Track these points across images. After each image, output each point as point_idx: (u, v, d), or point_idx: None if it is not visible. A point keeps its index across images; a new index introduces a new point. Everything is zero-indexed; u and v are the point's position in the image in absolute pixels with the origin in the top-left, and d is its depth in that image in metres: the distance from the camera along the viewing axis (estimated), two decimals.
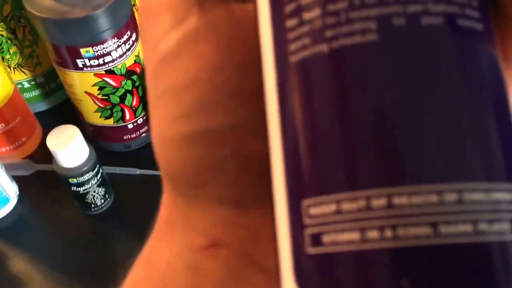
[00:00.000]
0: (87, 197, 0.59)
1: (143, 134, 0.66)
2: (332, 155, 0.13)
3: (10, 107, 0.63)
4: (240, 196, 0.18)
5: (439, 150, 0.12)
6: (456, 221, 0.12)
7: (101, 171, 0.59)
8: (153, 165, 0.72)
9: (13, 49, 0.65)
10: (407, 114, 0.12)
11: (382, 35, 0.13)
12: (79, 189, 0.58)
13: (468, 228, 0.12)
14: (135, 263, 0.21)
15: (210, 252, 0.19)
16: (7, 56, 0.65)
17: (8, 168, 0.63)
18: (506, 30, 0.14)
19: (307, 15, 0.13)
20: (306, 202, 0.13)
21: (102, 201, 0.61)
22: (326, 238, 0.13)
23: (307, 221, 0.13)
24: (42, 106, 0.72)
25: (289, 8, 0.14)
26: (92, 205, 0.60)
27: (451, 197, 0.12)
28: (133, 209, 0.63)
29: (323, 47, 0.13)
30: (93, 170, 0.57)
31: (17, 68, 0.67)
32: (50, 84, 0.71)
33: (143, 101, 0.63)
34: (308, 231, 0.13)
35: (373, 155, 0.12)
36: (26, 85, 0.69)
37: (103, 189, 0.60)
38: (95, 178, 0.58)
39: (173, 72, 0.17)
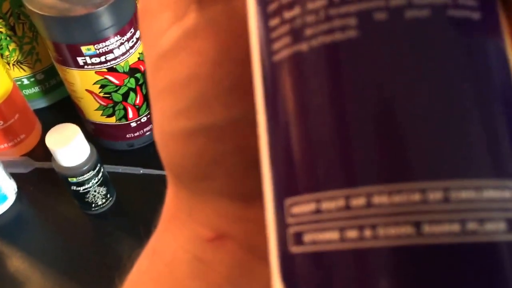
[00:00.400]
0: (87, 196, 0.58)
1: (147, 133, 0.65)
2: (310, 154, 0.13)
3: (9, 104, 0.62)
4: (242, 190, 0.18)
5: (423, 146, 0.12)
6: (441, 220, 0.11)
7: (102, 170, 0.58)
8: (157, 165, 0.71)
9: (12, 46, 0.64)
10: (386, 110, 0.12)
11: (362, 31, 0.12)
12: (79, 188, 0.57)
13: (455, 227, 0.11)
14: (141, 254, 0.21)
15: (215, 244, 0.19)
16: (6, 53, 0.64)
17: (6, 165, 0.62)
18: None
19: (287, 14, 0.13)
20: (288, 200, 0.13)
21: (103, 200, 0.60)
22: (307, 237, 0.12)
23: (289, 220, 0.13)
24: (41, 103, 0.71)
25: (271, 7, 0.14)
26: (93, 205, 0.60)
27: (436, 195, 0.11)
28: (135, 209, 0.62)
29: (303, 46, 0.13)
30: (93, 169, 0.56)
31: (17, 65, 0.66)
32: (50, 81, 0.70)
33: (147, 99, 0.62)
34: (291, 230, 0.13)
35: (352, 153, 0.12)
36: (26, 81, 0.68)
37: (104, 189, 0.59)
38: (96, 178, 0.57)
39: (173, 68, 0.17)
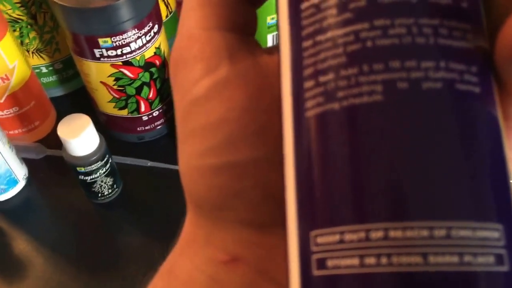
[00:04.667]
0: (94, 186, 0.59)
1: (158, 127, 0.66)
2: (337, 195, 0.15)
3: (25, 91, 0.63)
4: (258, 220, 0.20)
5: (432, 193, 0.14)
6: (444, 252, 0.14)
7: (110, 161, 0.59)
8: (165, 158, 0.73)
9: (32, 34, 0.65)
10: (404, 163, 0.14)
11: (386, 96, 0.15)
12: (86, 178, 0.58)
13: (454, 259, 0.14)
14: (156, 275, 0.22)
15: (229, 266, 0.20)
16: (26, 41, 0.66)
17: (19, 150, 0.64)
18: (504, 95, 0.16)
19: (322, 78, 0.16)
20: (314, 232, 0.15)
21: (110, 190, 0.61)
22: (330, 263, 0.15)
23: (314, 248, 0.15)
24: (58, 92, 0.73)
25: (307, 72, 0.16)
26: (99, 194, 0.60)
27: (440, 232, 0.14)
28: (140, 201, 0.63)
29: (335, 105, 0.15)
30: (101, 160, 0.57)
31: (36, 53, 0.68)
32: (67, 70, 0.71)
33: (161, 94, 0.63)
34: (315, 257, 0.15)
35: (373, 195, 0.14)
36: (44, 70, 0.70)
37: (111, 179, 0.60)
38: (104, 168, 0.58)
39: (204, 112, 0.19)
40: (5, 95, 0.62)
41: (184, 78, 0.20)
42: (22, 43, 0.66)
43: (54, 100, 0.71)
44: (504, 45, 0.15)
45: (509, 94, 0.16)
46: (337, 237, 0.15)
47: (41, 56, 0.68)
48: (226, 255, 0.21)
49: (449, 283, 0.14)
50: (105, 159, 0.57)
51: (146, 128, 0.65)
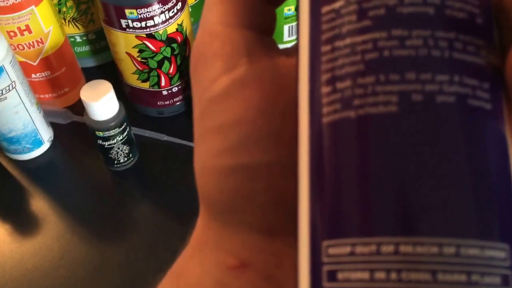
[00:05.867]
0: (111, 152, 0.61)
1: (177, 103, 0.68)
2: (351, 205, 0.15)
3: (58, 56, 0.66)
4: (268, 225, 0.20)
5: (443, 209, 0.14)
6: (452, 270, 0.14)
7: (128, 129, 0.61)
8: (181, 134, 0.74)
9: (70, 3, 0.68)
10: (416, 177, 0.14)
11: (401, 107, 0.15)
12: (104, 143, 0.60)
13: (462, 278, 0.14)
14: (165, 277, 0.23)
15: (237, 271, 0.20)
16: (64, 9, 0.69)
17: (47, 114, 0.67)
18: None
19: (339, 85, 0.16)
20: (325, 243, 0.15)
21: (125, 159, 0.63)
22: (340, 275, 0.15)
23: (325, 259, 0.15)
24: (90, 62, 0.75)
25: (325, 77, 0.16)
26: (115, 161, 0.63)
27: (450, 250, 0.14)
28: (154, 173, 0.65)
29: (351, 113, 0.15)
30: (119, 127, 0.59)
31: (72, 22, 0.70)
32: (100, 42, 0.73)
33: (181, 70, 0.65)
34: (326, 268, 0.15)
35: (386, 208, 0.14)
36: (78, 39, 0.72)
37: (128, 148, 0.62)
38: (121, 135, 0.60)
39: (221, 111, 0.19)
40: (39, 58, 0.65)
41: (203, 74, 0.20)
42: (59, 11, 0.68)
43: (85, 70, 0.74)
44: None
45: None
46: (348, 249, 0.15)
47: (76, 26, 0.71)
48: (235, 259, 0.21)
49: None
50: (123, 127, 0.59)
51: (166, 103, 0.67)
